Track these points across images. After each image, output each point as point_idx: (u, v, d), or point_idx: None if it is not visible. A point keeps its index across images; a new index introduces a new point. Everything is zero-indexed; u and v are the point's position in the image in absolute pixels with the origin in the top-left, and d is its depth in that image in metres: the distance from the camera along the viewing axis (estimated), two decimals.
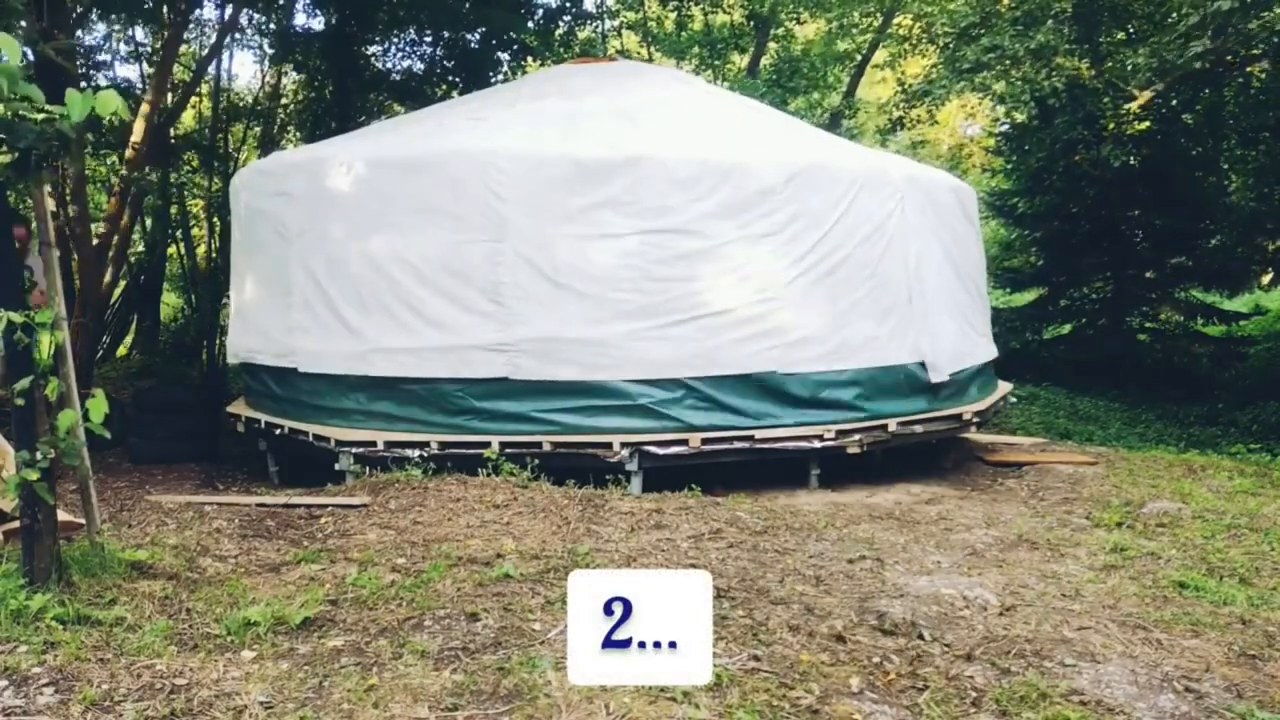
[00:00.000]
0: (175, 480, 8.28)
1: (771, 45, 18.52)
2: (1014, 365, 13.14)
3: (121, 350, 15.30)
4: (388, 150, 7.49)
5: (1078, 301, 16.79)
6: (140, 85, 13.78)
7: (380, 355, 7.14)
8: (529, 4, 14.75)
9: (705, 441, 6.88)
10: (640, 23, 18.40)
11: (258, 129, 15.75)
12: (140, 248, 15.35)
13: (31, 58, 8.92)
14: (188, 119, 15.90)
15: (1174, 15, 11.12)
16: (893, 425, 7.36)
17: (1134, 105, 11.94)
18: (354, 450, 7.01)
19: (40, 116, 3.45)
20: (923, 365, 7.63)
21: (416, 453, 6.86)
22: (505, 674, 3.40)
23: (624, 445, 6.77)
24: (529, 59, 15.52)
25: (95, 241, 11.14)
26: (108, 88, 3.63)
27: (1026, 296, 17.96)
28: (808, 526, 5.89)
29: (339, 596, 4.26)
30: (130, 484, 7.94)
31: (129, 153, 11.16)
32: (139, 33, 14.52)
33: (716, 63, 18.35)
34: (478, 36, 14.53)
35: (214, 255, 14.23)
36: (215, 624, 3.86)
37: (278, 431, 7.68)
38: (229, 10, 13.85)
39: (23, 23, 8.01)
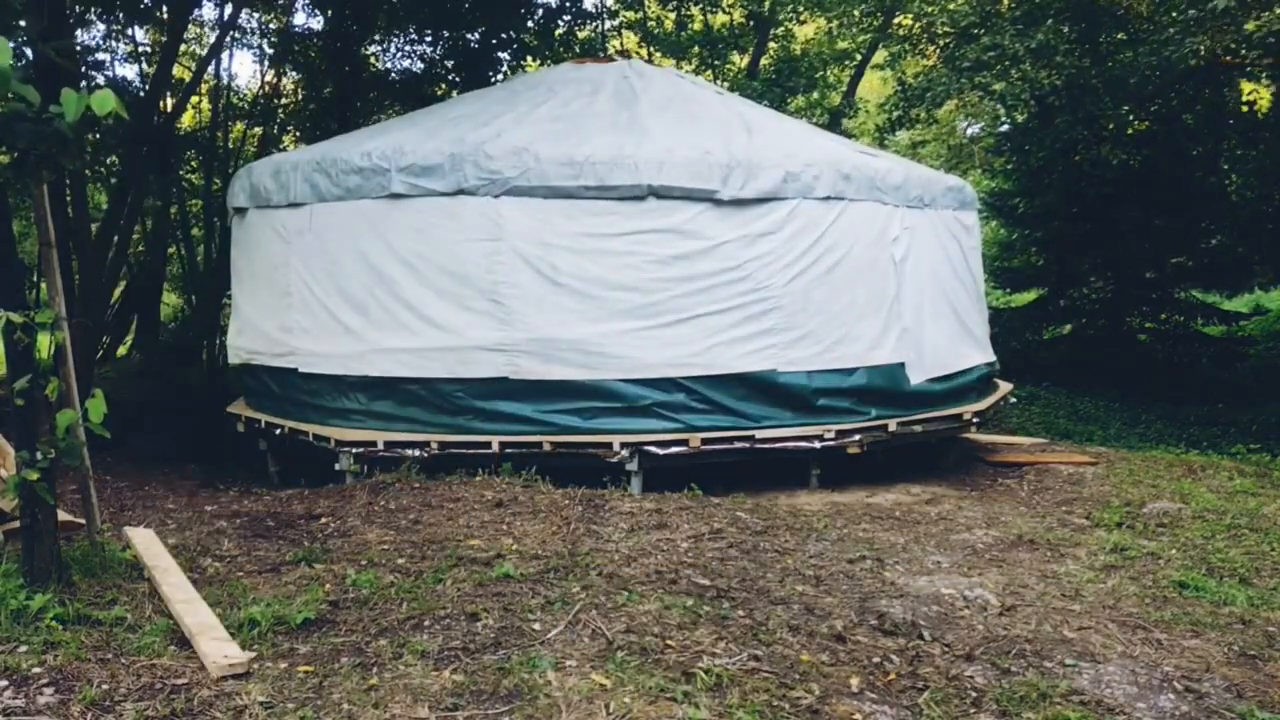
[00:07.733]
0: (175, 480, 8.28)
1: (771, 45, 18.49)
2: (1014, 365, 13.12)
3: (121, 350, 15.29)
4: (387, 150, 7.48)
5: (1078, 301, 16.77)
6: (140, 85, 13.77)
7: (380, 355, 7.15)
8: (529, 4, 14.70)
9: (705, 442, 6.88)
10: (640, 22, 18.36)
11: (258, 129, 15.73)
12: (140, 248, 15.34)
13: (31, 57, 8.94)
14: (188, 119, 15.87)
15: (1174, 14, 11.11)
16: (893, 425, 7.36)
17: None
18: (354, 450, 7.01)
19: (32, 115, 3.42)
20: (913, 366, 7.62)
21: (416, 453, 6.87)
22: (505, 674, 3.40)
23: (624, 446, 6.78)
24: (529, 58, 15.50)
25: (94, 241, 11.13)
26: (105, 87, 3.59)
27: (1026, 296, 17.94)
28: (808, 527, 5.89)
29: (339, 596, 4.26)
30: (130, 484, 7.93)
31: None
32: (139, 33, 14.51)
33: (716, 63, 18.30)
34: (477, 36, 14.50)
35: (214, 255, 14.20)
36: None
37: (278, 432, 7.68)
38: (229, 10, 13.85)
39: (22, 22, 8.00)
